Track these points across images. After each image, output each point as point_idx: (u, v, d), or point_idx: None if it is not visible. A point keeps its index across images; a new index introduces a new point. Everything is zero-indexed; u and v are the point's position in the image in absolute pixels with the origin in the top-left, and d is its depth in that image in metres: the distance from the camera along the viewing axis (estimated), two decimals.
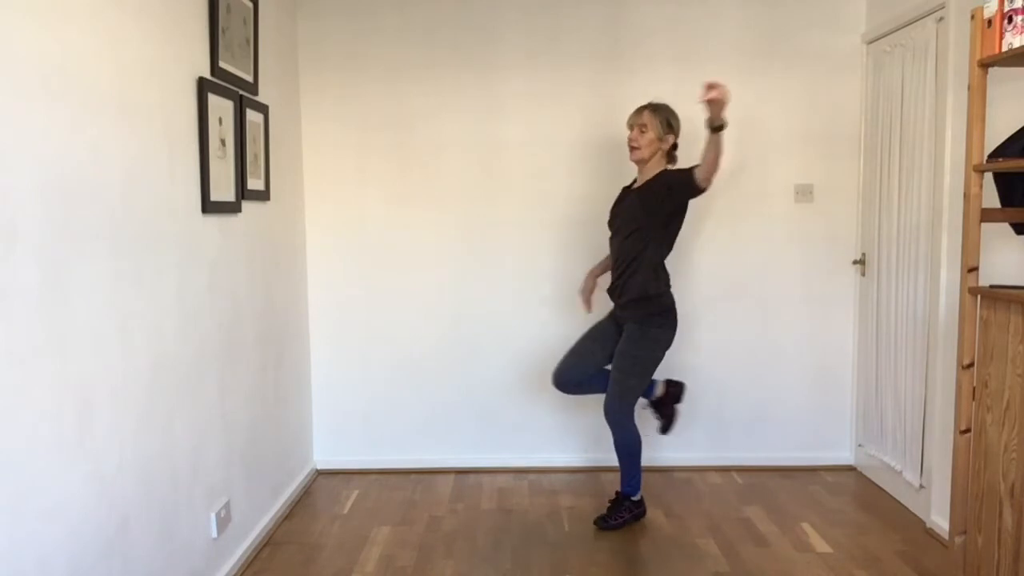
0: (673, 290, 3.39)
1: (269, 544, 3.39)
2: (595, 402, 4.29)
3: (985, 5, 2.47)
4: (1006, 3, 2.38)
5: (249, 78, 3.26)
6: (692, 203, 4.16)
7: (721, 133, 3.02)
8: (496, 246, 4.24)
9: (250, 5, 3.27)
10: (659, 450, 4.28)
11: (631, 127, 3.38)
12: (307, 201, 4.20)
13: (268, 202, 3.56)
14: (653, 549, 3.30)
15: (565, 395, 4.09)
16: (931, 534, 3.40)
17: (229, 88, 3.04)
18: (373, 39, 4.14)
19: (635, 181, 3.50)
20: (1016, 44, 2.35)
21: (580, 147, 4.17)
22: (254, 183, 3.33)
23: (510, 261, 4.23)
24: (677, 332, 3.40)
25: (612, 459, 4.27)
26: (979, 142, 2.54)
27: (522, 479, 4.09)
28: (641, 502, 3.57)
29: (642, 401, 3.60)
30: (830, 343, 4.27)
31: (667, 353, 3.38)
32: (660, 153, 3.38)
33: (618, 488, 3.58)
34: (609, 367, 3.53)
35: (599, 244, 4.20)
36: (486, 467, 4.30)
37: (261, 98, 3.44)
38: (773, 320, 4.26)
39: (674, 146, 3.42)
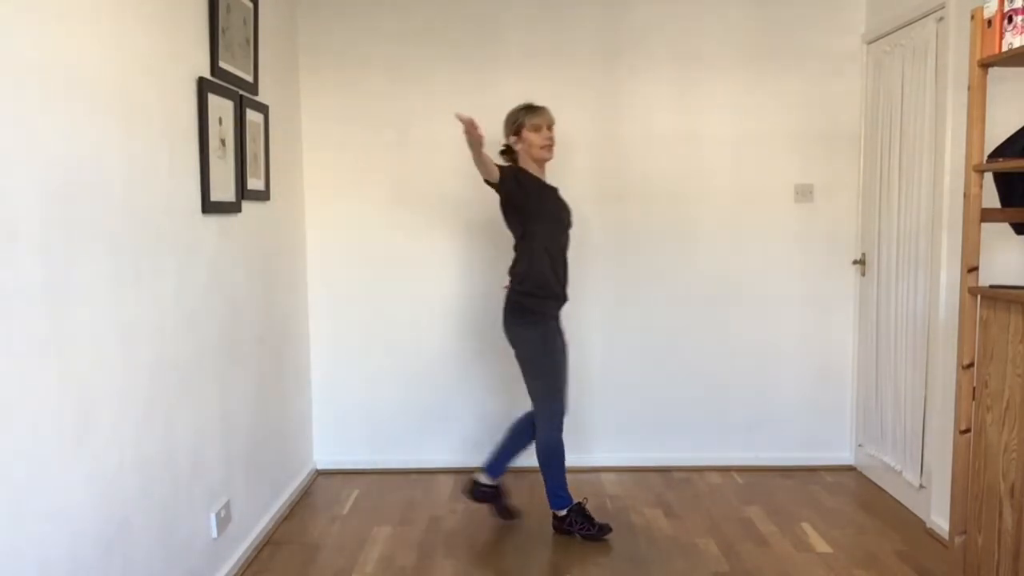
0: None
1: (269, 544, 3.39)
2: (595, 403, 4.30)
3: (985, 5, 2.47)
4: (1006, 3, 2.38)
5: (249, 78, 3.26)
6: (691, 202, 4.21)
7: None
8: (495, 245, 4.23)
9: (250, 5, 3.27)
10: (659, 450, 4.29)
11: (550, 126, 3.29)
12: (307, 201, 4.20)
13: (268, 202, 3.56)
14: (653, 549, 3.30)
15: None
16: (931, 534, 3.40)
17: (229, 88, 3.04)
18: (373, 39, 4.14)
19: (537, 177, 3.35)
20: (1016, 44, 2.35)
21: (580, 146, 4.16)
22: (254, 183, 3.33)
23: (509, 260, 4.23)
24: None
25: (612, 459, 4.31)
26: (979, 142, 2.54)
27: (522, 479, 4.08)
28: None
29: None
30: (830, 343, 4.27)
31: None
32: None
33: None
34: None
35: (599, 243, 4.21)
36: None
37: (261, 98, 3.44)
38: (773, 320, 4.26)
39: None
